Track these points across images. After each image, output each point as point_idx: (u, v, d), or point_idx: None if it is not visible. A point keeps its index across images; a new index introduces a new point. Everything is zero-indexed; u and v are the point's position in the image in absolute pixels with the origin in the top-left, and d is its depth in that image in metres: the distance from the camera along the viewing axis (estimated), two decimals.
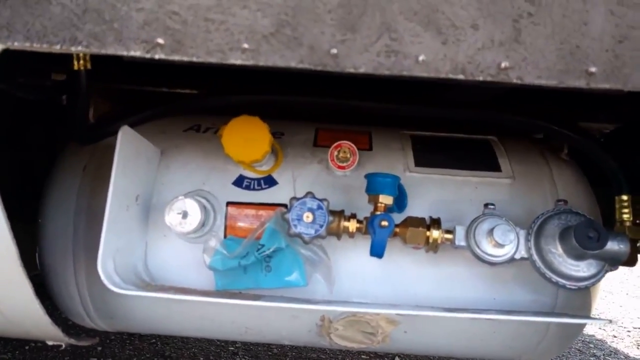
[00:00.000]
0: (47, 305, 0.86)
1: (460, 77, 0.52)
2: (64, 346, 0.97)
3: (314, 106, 1.08)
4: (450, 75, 0.52)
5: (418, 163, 1.06)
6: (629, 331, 3.43)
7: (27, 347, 2.26)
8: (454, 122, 1.19)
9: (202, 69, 0.67)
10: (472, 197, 1.01)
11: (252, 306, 1.02)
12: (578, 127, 1.03)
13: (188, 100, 1.12)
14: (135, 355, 2.34)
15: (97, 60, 0.88)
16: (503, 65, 0.52)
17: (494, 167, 1.07)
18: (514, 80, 0.52)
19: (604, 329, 3.45)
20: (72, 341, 0.90)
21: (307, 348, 2.56)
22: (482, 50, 0.52)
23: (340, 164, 1.00)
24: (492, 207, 0.91)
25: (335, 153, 1.00)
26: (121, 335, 2.52)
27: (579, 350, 3.06)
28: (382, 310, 0.91)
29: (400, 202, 0.98)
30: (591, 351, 3.07)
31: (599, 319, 0.88)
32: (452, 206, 1.01)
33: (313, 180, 1.03)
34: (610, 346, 3.13)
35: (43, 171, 1.14)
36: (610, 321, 0.83)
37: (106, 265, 0.81)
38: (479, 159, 1.08)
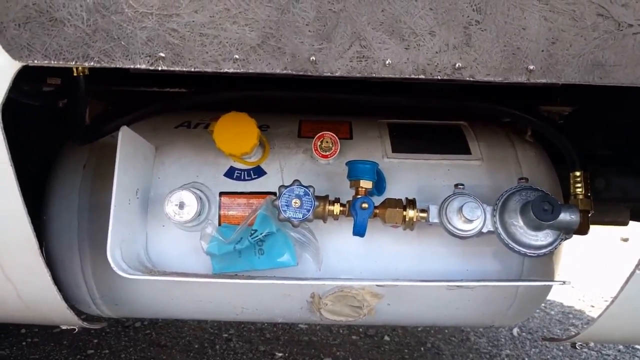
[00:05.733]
0: None
1: (422, 77, 0.61)
2: (76, 329, 1.04)
3: (296, 99, 1.16)
4: (413, 76, 0.61)
5: (395, 149, 1.15)
6: (605, 300, 3.58)
7: (24, 343, 2.32)
8: (428, 110, 1.28)
9: None
10: (445, 179, 1.11)
11: (247, 287, 1.11)
12: (537, 111, 1.13)
13: (178, 98, 1.19)
14: (132, 345, 2.41)
15: None
16: (457, 65, 0.61)
17: (464, 151, 1.16)
18: (467, 78, 0.61)
19: (583, 300, 3.63)
20: (85, 324, 0.99)
21: (299, 332, 2.66)
22: (439, 54, 0.61)
23: (324, 153, 1.08)
24: (461, 187, 1.01)
25: (319, 143, 1.08)
26: (116, 327, 2.58)
27: (559, 321, 3.22)
28: (365, 282, 1.01)
29: (380, 185, 1.07)
30: (570, 321, 3.23)
31: (555, 280, 0.99)
32: (427, 188, 1.10)
33: (299, 169, 1.11)
34: (588, 315, 3.28)
35: (38, 171, 1.20)
36: (564, 282, 0.94)
37: (114, 253, 0.89)
38: (451, 144, 1.18)
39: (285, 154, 1.13)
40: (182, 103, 1.18)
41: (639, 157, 1.40)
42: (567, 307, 3.52)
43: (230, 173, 1.11)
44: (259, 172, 1.11)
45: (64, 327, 1.04)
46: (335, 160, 1.10)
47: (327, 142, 1.07)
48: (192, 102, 1.17)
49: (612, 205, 1.76)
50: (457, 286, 1.07)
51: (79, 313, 1.00)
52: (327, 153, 1.08)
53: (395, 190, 1.09)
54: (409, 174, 1.12)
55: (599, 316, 0.89)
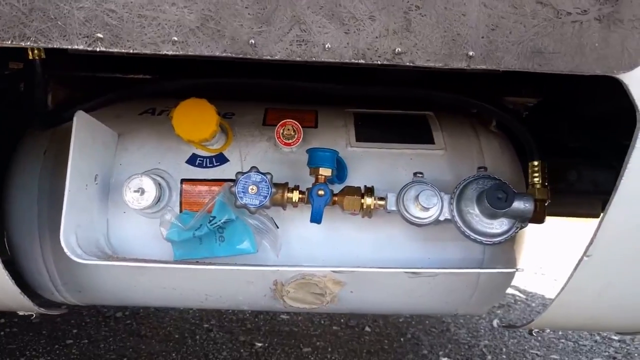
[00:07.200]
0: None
1: (362, 61, 0.61)
2: (34, 316, 1.04)
3: (262, 88, 1.16)
4: (353, 60, 0.61)
5: (359, 138, 1.16)
6: None
7: (2, 333, 2.31)
8: (397, 100, 1.29)
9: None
10: (407, 168, 1.11)
11: (210, 274, 1.11)
12: (499, 102, 1.14)
13: (142, 85, 1.18)
14: (111, 335, 2.40)
15: (51, 49, 0.94)
16: (397, 50, 0.61)
17: (428, 140, 1.17)
18: (407, 63, 0.62)
19: None
20: (42, 310, 0.98)
21: (281, 322, 2.67)
22: (379, 38, 0.61)
23: (286, 141, 1.08)
24: (420, 175, 1.02)
25: (281, 131, 1.08)
26: (97, 317, 2.58)
27: (539, 312, 3.25)
28: (321, 268, 1.02)
29: (341, 174, 1.08)
30: None
31: (510, 268, 1.01)
32: (389, 176, 1.11)
33: (262, 157, 1.11)
34: None
35: (2, 158, 1.18)
36: (517, 269, 0.96)
37: (69, 238, 0.88)
38: (415, 133, 1.19)
39: (248, 141, 1.13)
40: (145, 90, 1.17)
41: (607, 149, 1.41)
42: (549, 299, 3.55)
43: (192, 160, 1.10)
44: (221, 159, 1.10)
45: (21, 313, 1.04)
46: (299, 149, 1.10)
47: (289, 129, 1.07)
48: (156, 89, 1.17)
49: (585, 197, 1.78)
50: (415, 273, 1.07)
51: (47, 303, 0.99)
52: (290, 141, 1.08)
53: (357, 178, 1.09)
54: (371, 163, 1.12)
55: (550, 304, 0.91)
